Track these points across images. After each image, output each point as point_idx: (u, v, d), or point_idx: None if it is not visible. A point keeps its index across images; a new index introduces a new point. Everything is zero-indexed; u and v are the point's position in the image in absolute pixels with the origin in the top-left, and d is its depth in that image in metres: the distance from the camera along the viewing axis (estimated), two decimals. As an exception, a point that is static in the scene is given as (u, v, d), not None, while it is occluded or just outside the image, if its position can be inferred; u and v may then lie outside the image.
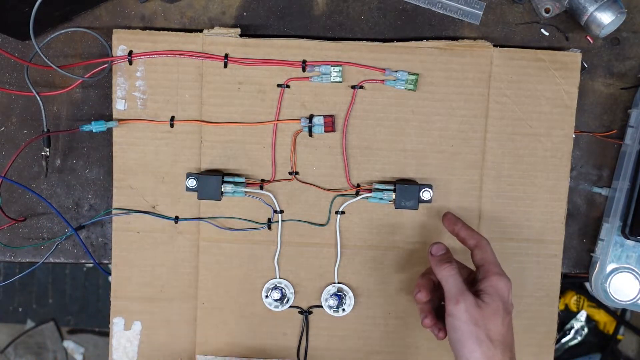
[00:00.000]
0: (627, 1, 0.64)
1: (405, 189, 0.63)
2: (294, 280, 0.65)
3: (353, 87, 0.63)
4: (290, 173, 0.64)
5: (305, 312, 0.66)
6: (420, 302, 0.57)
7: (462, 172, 0.65)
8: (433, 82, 0.63)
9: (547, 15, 0.63)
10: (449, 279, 0.55)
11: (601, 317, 1.40)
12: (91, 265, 0.67)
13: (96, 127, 0.62)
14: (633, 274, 0.65)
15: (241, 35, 0.63)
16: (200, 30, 0.63)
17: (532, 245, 0.65)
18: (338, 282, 0.65)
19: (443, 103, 0.64)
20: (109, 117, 0.64)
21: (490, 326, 0.52)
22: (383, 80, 0.63)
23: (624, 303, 0.66)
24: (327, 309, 0.65)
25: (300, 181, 0.64)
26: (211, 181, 0.62)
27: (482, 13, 0.64)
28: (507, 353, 0.52)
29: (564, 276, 0.67)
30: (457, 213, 0.65)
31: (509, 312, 0.53)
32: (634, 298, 0.66)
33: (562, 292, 1.40)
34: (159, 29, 0.63)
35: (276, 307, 0.65)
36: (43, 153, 0.63)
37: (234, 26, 0.63)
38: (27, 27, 0.53)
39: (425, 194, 0.63)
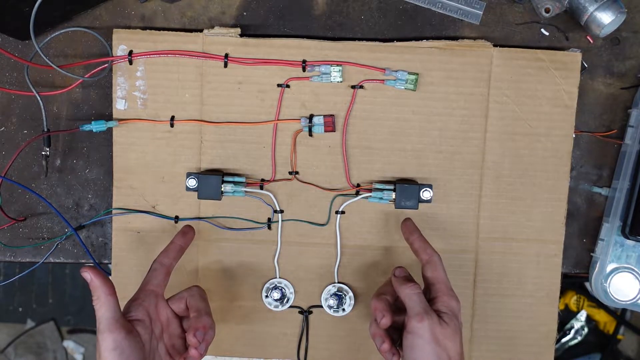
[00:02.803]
0: (627, 1, 0.64)
1: (405, 189, 0.63)
2: (294, 280, 0.65)
3: (353, 87, 0.63)
4: (290, 173, 0.64)
5: (305, 312, 0.66)
6: (385, 326, 0.55)
7: (462, 172, 0.65)
8: (433, 82, 0.63)
9: (547, 15, 0.63)
10: (412, 296, 0.54)
11: (601, 317, 1.40)
12: (91, 265, 0.67)
13: (96, 126, 0.62)
14: (633, 274, 0.65)
15: (241, 35, 0.63)
16: (201, 30, 0.63)
17: (532, 245, 0.65)
18: (338, 282, 0.65)
19: (443, 103, 0.64)
20: (109, 117, 0.64)
21: (450, 345, 0.52)
22: (383, 80, 0.63)
23: (624, 303, 0.66)
24: (327, 309, 0.65)
25: (300, 181, 0.64)
26: (211, 181, 0.62)
27: (482, 13, 0.64)
28: None
29: (564, 276, 0.67)
30: (457, 213, 0.65)
31: (460, 331, 0.54)
32: (634, 298, 0.66)
33: (562, 292, 1.40)
34: (159, 29, 0.63)
35: (276, 307, 0.65)
36: (43, 153, 0.63)
37: (234, 26, 0.63)
38: (27, 26, 0.53)
39: (425, 194, 0.63)
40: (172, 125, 0.63)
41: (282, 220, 0.65)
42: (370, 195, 0.64)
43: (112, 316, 0.51)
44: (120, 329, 0.50)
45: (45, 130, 0.61)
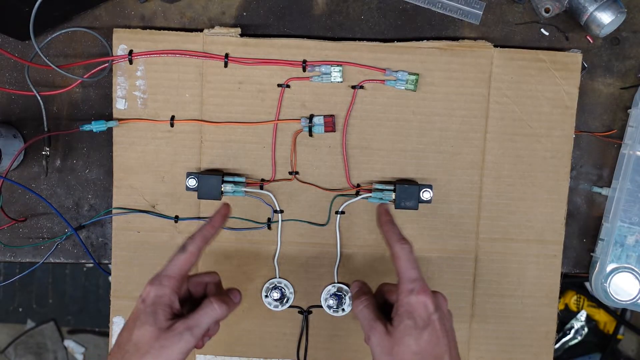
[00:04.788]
0: (627, 1, 0.64)
1: (405, 189, 0.63)
2: (294, 280, 0.65)
3: (353, 87, 0.63)
4: (290, 173, 0.64)
5: (305, 312, 0.66)
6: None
7: (462, 172, 0.65)
8: (433, 82, 0.63)
9: (547, 15, 0.63)
10: (359, 314, 0.54)
11: (601, 316, 1.40)
12: (91, 265, 0.67)
13: (96, 126, 0.62)
14: (633, 273, 0.65)
15: (241, 35, 0.63)
16: (201, 30, 0.63)
17: (532, 245, 0.65)
18: (338, 282, 0.65)
19: (443, 103, 0.64)
20: (109, 117, 0.64)
21: (402, 349, 0.49)
22: (383, 81, 0.63)
23: (624, 303, 0.66)
24: (326, 309, 0.65)
25: (300, 181, 0.64)
26: (211, 181, 0.62)
27: (482, 13, 0.64)
28: None
29: (564, 276, 0.67)
30: (457, 213, 0.65)
31: (425, 326, 0.50)
32: (634, 298, 0.66)
33: (562, 292, 1.40)
34: (158, 29, 0.63)
35: (276, 307, 0.65)
36: (43, 153, 0.63)
37: (234, 26, 0.63)
38: (27, 27, 0.53)
39: (425, 194, 0.63)
40: (172, 125, 0.63)
41: (282, 220, 0.65)
42: (370, 196, 0.64)
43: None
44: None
45: (46, 130, 0.61)
